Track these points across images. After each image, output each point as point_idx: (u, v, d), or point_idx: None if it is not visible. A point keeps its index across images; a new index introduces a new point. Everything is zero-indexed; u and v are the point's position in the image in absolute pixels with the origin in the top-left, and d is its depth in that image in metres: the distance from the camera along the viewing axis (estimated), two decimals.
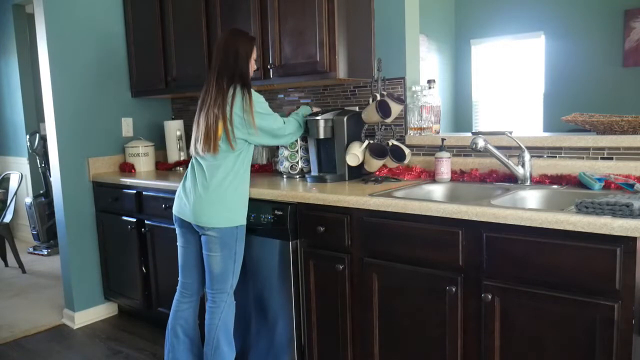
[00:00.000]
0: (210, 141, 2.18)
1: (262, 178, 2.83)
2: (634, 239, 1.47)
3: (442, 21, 6.24)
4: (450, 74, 6.40)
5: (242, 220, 2.29)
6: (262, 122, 2.26)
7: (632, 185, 1.89)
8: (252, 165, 3.16)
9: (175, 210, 2.36)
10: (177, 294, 2.44)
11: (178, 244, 2.41)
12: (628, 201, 1.53)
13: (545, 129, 5.59)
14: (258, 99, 2.26)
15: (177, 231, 2.39)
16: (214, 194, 2.22)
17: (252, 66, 2.34)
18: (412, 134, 2.63)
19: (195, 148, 2.25)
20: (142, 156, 3.49)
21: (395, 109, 2.48)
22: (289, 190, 2.33)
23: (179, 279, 2.43)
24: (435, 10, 6.08)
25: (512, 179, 2.22)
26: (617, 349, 1.53)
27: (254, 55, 2.35)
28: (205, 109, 2.22)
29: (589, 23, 5.37)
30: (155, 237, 3.04)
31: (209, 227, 2.23)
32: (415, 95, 2.62)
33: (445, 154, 2.37)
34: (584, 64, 5.43)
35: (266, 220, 2.36)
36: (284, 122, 2.41)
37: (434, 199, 2.26)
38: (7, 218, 4.67)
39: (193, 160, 2.32)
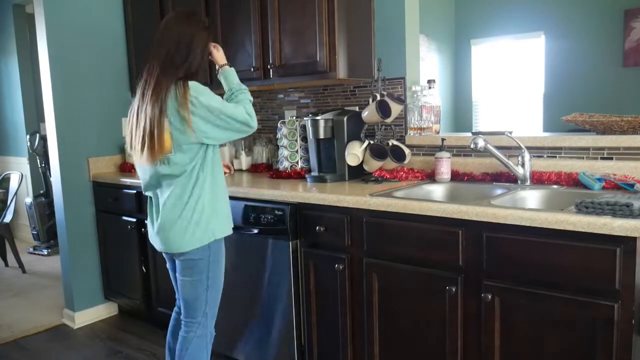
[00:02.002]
0: (157, 150, 1.84)
1: (262, 178, 2.83)
2: (634, 239, 1.47)
3: (442, 21, 6.24)
4: (450, 74, 6.40)
5: (216, 234, 1.99)
6: (205, 110, 1.86)
7: (632, 185, 1.89)
8: (252, 166, 3.18)
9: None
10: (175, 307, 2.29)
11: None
12: (628, 201, 1.53)
13: (545, 129, 5.59)
14: (196, 87, 1.89)
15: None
16: (172, 211, 1.93)
17: (206, 60, 2.05)
18: (412, 134, 2.63)
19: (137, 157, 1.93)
20: None
21: (395, 109, 2.48)
22: (289, 190, 2.32)
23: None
24: (435, 10, 6.08)
25: (512, 179, 2.22)
26: (617, 349, 1.53)
27: (211, 47, 2.07)
28: (142, 109, 1.87)
29: (589, 23, 5.38)
30: None
31: (176, 253, 1.98)
32: (415, 95, 2.62)
33: (445, 154, 2.37)
34: (584, 64, 5.43)
35: (266, 221, 2.36)
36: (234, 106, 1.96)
37: (434, 199, 2.26)
38: (7, 218, 4.67)
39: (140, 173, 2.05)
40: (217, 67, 2.13)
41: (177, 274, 2.06)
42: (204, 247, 1.96)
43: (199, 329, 2.06)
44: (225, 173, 2.37)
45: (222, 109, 1.89)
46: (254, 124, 1.97)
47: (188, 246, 1.93)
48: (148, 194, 2.06)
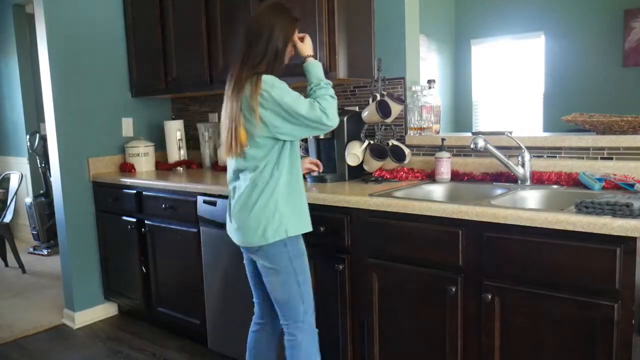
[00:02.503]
0: (233, 143, 1.86)
1: None
2: (634, 239, 1.47)
3: (442, 21, 6.24)
4: (450, 74, 6.40)
5: (289, 231, 1.90)
6: (279, 104, 1.81)
7: (632, 185, 1.89)
8: None
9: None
10: (254, 316, 2.19)
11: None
12: (628, 201, 1.53)
13: (545, 129, 5.59)
14: (269, 81, 1.84)
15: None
16: (245, 206, 1.90)
17: (289, 53, 1.97)
18: (412, 134, 2.63)
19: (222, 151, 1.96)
20: (142, 156, 3.49)
21: (395, 109, 2.48)
22: None
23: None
24: (435, 10, 6.08)
25: (512, 179, 2.22)
26: (617, 349, 1.53)
27: (295, 38, 1.96)
28: (226, 106, 1.90)
29: (589, 23, 5.38)
30: (155, 237, 3.04)
31: (253, 247, 1.93)
32: (415, 95, 2.62)
33: (445, 154, 2.37)
34: (584, 64, 5.43)
35: None
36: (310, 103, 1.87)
37: (434, 199, 2.26)
38: (7, 218, 4.67)
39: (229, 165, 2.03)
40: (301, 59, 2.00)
41: (263, 279, 1.98)
42: (278, 243, 1.89)
43: (304, 331, 1.96)
44: (313, 171, 2.39)
45: (293, 105, 1.81)
46: (331, 122, 1.85)
47: (261, 241, 1.88)
48: (229, 187, 2.03)
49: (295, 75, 2.09)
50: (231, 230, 2.01)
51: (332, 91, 1.92)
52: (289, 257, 1.90)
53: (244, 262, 2.12)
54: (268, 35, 1.85)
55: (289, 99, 1.82)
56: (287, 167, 1.90)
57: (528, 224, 1.64)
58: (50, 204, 4.92)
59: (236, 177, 1.97)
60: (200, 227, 2.70)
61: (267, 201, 1.87)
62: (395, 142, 2.52)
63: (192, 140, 3.72)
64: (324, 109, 1.84)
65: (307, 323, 1.97)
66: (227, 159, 1.99)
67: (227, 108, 1.89)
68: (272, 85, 1.82)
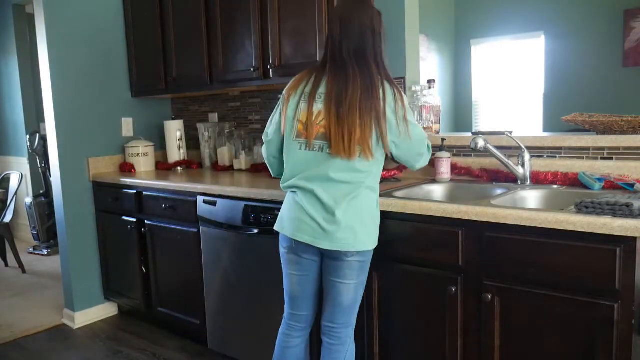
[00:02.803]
0: (358, 144, 1.74)
1: (262, 178, 2.83)
2: (634, 239, 1.47)
3: (442, 21, 6.24)
4: (450, 74, 6.40)
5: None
6: (414, 130, 1.84)
7: (632, 185, 1.89)
8: (252, 166, 3.18)
9: (290, 232, 1.86)
10: (283, 327, 2.03)
11: (288, 270, 1.95)
12: (628, 201, 1.53)
13: (545, 129, 5.59)
14: (406, 97, 1.85)
15: (288, 257, 1.93)
16: (360, 209, 1.80)
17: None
18: None
19: (321, 148, 1.79)
20: (142, 156, 3.49)
21: None
22: None
23: (287, 310, 2.01)
24: (435, 10, 6.08)
25: (512, 179, 2.22)
26: (617, 349, 1.53)
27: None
28: (352, 103, 1.73)
29: (589, 23, 5.38)
30: (155, 237, 3.04)
31: (354, 252, 1.81)
32: (415, 95, 2.62)
33: (445, 154, 2.37)
34: (584, 64, 5.43)
35: (266, 221, 2.36)
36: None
37: (434, 199, 2.26)
38: (7, 218, 4.67)
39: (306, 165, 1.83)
40: None
41: (333, 278, 1.86)
42: (374, 249, 1.88)
43: (352, 335, 1.94)
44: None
45: None
46: (423, 160, 1.98)
47: (371, 244, 1.85)
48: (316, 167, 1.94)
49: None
50: (315, 232, 1.83)
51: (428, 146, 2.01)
52: (371, 262, 1.91)
53: (296, 273, 1.94)
54: (371, 29, 1.83)
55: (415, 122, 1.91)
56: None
57: (528, 224, 1.64)
58: (50, 204, 4.92)
59: (325, 174, 1.87)
60: (200, 227, 2.70)
61: (376, 202, 1.90)
62: None
63: (192, 140, 3.72)
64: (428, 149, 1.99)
65: (354, 327, 1.97)
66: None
67: (359, 102, 1.80)
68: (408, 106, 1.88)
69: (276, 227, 1.95)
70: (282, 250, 1.96)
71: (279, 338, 2.03)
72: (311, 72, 1.87)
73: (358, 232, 1.79)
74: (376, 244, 1.87)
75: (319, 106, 1.79)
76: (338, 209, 1.77)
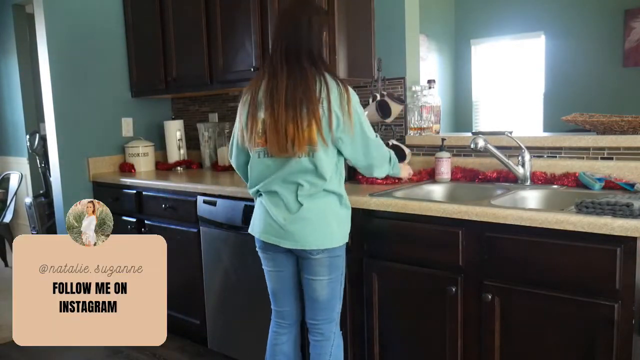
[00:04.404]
0: (296, 140, 1.74)
1: None
2: (634, 239, 1.47)
3: (442, 21, 6.24)
4: (450, 74, 6.40)
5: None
6: (362, 124, 1.84)
7: (632, 185, 1.89)
8: None
9: (258, 233, 1.93)
10: (272, 325, 2.07)
11: (265, 267, 2.01)
12: (628, 201, 1.53)
13: (545, 129, 5.59)
14: (355, 95, 1.85)
15: (263, 255, 1.99)
16: (321, 206, 1.84)
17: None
18: (412, 134, 2.63)
19: (269, 151, 1.81)
20: (142, 156, 3.49)
21: (395, 109, 2.47)
22: None
23: (273, 307, 2.05)
24: (435, 10, 6.08)
25: (512, 179, 2.22)
26: (617, 349, 1.53)
27: (325, 34, 1.91)
28: (279, 99, 1.76)
29: (589, 23, 5.37)
30: None
31: (318, 250, 1.85)
32: (415, 95, 2.62)
33: (445, 154, 2.37)
34: (584, 64, 5.43)
35: None
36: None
37: (434, 199, 2.26)
38: (7, 218, 4.67)
39: (262, 167, 1.88)
40: None
41: (306, 275, 1.91)
42: (344, 245, 1.92)
43: (337, 328, 1.97)
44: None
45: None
46: (375, 163, 1.98)
47: (338, 241, 1.88)
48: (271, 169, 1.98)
49: None
50: (279, 231, 1.89)
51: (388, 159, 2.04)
52: (344, 257, 1.95)
53: (272, 269, 2.00)
54: (307, 25, 1.84)
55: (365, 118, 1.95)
56: (342, 167, 1.96)
57: (528, 224, 1.64)
58: (50, 204, 4.91)
59: (281, 174, 1.92)
60: (200, 227, 2.70)
61: (342, 198, 1.93)
62: (396, 142, 2.51)
63: (192, 140, 3.72)
64: (383, 153, 2.00)
65: (338, 324, 1.99)
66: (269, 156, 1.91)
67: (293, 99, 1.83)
68: (356, 98, 1.90)
69: (249, 230, 2.01)
70: (257, 250, 2.01)
71: (269, 336, 2.07)
72: (255, 80, 1.90)
73: (319, 230, 1.83)
74: (345, 240, 1.90)
75: (261, 113, 1.82)
76: (298, 208, 1.82)
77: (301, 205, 1.82)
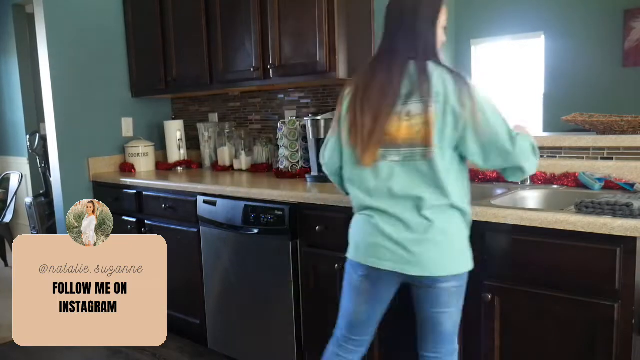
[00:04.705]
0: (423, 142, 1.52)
1: (262, 178, 2.83)
2: (634, 239, 1.47)
3: None
4: None
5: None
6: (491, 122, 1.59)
7: (632, 185, 1.90)
8: (252, 166, 3.17)
9: (364, 258, 1.62)
10: (334, 346, 1.79)
11: (357, 299, 1.70)
12: (628, 201, 1.53)
13: (545, 129, 5.59)
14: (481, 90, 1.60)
15: (361, 283, 1.67)
16: (446, 224, 1.55)
17: (440, 37, 1.63)
18: None
19: (383, 156, 1.57)
20: (142, 156, 3.49)
21: None
22: (289, 190, 2.32)
23: (344, 333, 1.76)
24: None
25: None
26: (617, 349, 1.53)
27: (443, 20, 1.63)
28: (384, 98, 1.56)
29: (589, 23, 5.37)
30: None
31: (447, 277, 1.57)
32: None
33: None
34: (584, 64, 5.42)
35: (266, 220, 2.36)
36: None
37: None
38: (7, 218, 4.67)
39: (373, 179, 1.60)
40: None
41: (431, 308, 1.64)
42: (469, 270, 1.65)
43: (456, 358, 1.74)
44: None
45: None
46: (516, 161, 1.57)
47: (467, 266, 1.62)
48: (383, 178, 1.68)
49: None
50: (394, 255, 1.59)
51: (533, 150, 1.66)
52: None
53: (365, 301, 1.70)
54: (412, 14, 1.62)
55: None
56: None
57: (528, 224, 1.64)
58: (50, 204, 4.91)
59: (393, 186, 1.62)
60: (200, 227, 2.70)
61: (466, 214, 1.64)
62: None
63: (192, 140, 3.72)
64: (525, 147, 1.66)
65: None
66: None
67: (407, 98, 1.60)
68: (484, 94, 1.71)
69: (349, 255, 1.70)
70: (355, 277, 1.69)
71: (329, 357, 1.80)
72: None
73: (448, 253, 1.56)
74: (472, 265, 1.63)
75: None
76: (422, 227, 1.54)
77: (430, 222, 1.53)
